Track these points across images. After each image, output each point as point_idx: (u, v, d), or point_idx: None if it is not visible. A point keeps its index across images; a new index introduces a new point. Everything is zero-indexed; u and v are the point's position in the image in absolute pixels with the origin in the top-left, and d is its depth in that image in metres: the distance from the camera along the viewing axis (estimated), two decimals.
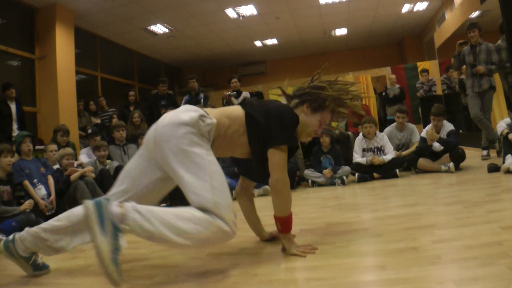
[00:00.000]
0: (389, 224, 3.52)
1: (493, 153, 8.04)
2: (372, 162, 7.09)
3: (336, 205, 5.07)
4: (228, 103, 9.69)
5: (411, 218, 3.61)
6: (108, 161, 7.12)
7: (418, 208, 4.07)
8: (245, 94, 10.00)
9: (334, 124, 8.94)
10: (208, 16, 13.11)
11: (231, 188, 3.00)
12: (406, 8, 14.18)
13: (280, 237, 2.97)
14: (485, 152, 7.95)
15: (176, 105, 10.51)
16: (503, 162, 5.87)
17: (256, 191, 6.64)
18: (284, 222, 2.91)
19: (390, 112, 11.83)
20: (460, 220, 3.34)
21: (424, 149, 7.18)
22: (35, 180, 5.92)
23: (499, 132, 6.35)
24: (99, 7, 11.19)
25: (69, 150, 6.74)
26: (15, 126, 8.31)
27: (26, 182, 5.77)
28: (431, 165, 7.03)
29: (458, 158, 6.85)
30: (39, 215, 5.53)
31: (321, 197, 5.87)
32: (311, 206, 5.23)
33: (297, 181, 7.50)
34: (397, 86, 12.39)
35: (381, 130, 8.21)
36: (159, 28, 13.72)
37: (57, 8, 10.41)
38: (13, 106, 8.34)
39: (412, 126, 8.12)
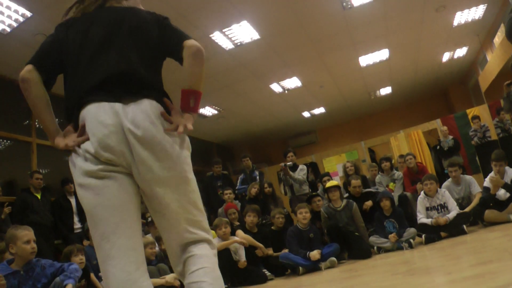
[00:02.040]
0: (467, 286, 3.41)
1: None
2: (437, 223, 6.92)
3: (407, 270, 4.94)
4: (285, 174, 9.69)
5: (489, 278, 3.49)
6: None
7: (494, 265, 3.93)
8: (302, 167, 9.99)
9: (391, 185, 8.88)
10: (254, 94, 13.34)
11: None
12: (446, 56, 14.16)
13: (187, 116, 2.43)
14: None
15: (232, 185, 10.60)
16: None
17: (322, 264, 6.55)
18: (199, 98, 2.49)
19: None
20: None
21: (489, 200, 6.98)
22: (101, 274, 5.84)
23: None
24: None
25: (150, 238, 6.70)
26: (76, 219, 8.47)
27: (93, 276, 5.74)
28: (499, 216, 6.80)
29: None
30: None
31: (390, 263, 5.75)
32: (380, 274, 5.13)
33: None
34: (450, 137, 12.21)
35: (441, 185, 8.05)
36: (207, 111, 14.04)
37: None
38: (73, 200, 8.54)
39: (469, 177, 7.95)
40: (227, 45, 9.71)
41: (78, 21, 2.40)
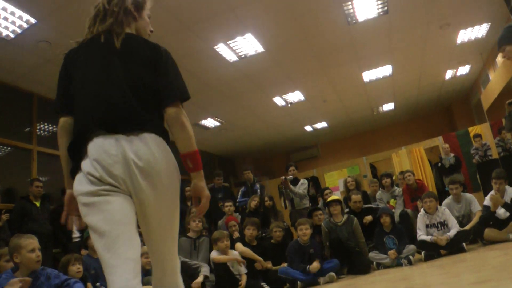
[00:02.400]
0: None
1: None
2: (437, 242, 6.89)
3: (406, 287, 4.94)
4: (286, 188, 9.67)
5: None
6: None
7: (493, 283, 3.92)
8: (303, 181, 9.96)
9: (392, 202, 8.88)
10: (257, 106, 13.37)
11: None
12: (449, 74, 14.19)
13: (193, 176, 2.57)
14: None
15: (233, 197, 10.59)
16: None
17: (321, 279, 6.53)
18: (196, 157, 2.56)
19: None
20: None
21: (489, 218, 6.99)
22: (98, 284, 5.76)
23: None
24: None
25: (145, 248, 6.64)
26: (74, 228, 8.42)
27: (90, 286, 5.69)
28: (498, 235, 6.80)
29: None
30: None
31: (389, 280, 5.74)
32: None
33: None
34: (452, 155, 12.23)
35: (441, 203, 8.04)
36: (210, 122, 14.04)
37: None
38: None
39: (469, 196, 7.95)
40: (231, 57, 9.73)
41: (82, 52, 2.58)
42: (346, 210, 8.24)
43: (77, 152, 2.43)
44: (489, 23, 10.83)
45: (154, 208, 2.38)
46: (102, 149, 2.31)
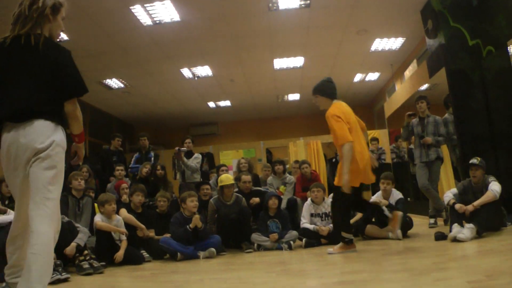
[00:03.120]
0: None
1: (440, 221, 8.13)
2: (319, 231, 7.04)
3: (282, 270, 5.01)
4: (178, 158, 9.53)
5: (358, 285, 3.59)
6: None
7: (365, 275, 4.07)
8: (197, 155, 9.86)
9: (282, 188, 8.98)
10: (164, 75, 13.18)
11: None
12: (358, 77, 14.59)
13: (77, 145, 3.56)
14: (432, 220, 8.06)
15: (125, 162, 10.39)
16: (450, 231, 5.96)
17: (201, 253, 6.52)
18: (81, 136, 3.53)
19: None
20: None
21: (372, 215, 7.23)
22: None
23: (446, 202, 6.49)
24: None
25: None
26: None
27: None
28: (379, 232, 7.05)
29: (405, 226, 6.88)
30: None
31: (267, 262, 5.80)
32: (256, 271, 5.17)
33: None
34: None
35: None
36: (114, 83, 13.73)
37: None
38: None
39: None
40: (145, 20, 9.51)
41: (5, 50, 3.23)
42: (235, 190, 8.22)
43: None
44: (404, 38, 11.33)
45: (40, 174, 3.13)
46: (7, 135, 3.16)
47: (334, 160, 12.87)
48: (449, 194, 6.53)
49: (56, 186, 3.18)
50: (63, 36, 9.76)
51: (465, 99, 8.08)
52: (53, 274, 4.94)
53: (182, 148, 9.59)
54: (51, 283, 4.86)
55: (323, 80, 6.38)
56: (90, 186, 8.22)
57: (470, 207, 6.07)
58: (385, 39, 11.32)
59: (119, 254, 6.04)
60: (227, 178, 7.57)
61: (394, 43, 11.64)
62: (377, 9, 9.53)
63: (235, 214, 7.28)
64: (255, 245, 7.07)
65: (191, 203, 6.93)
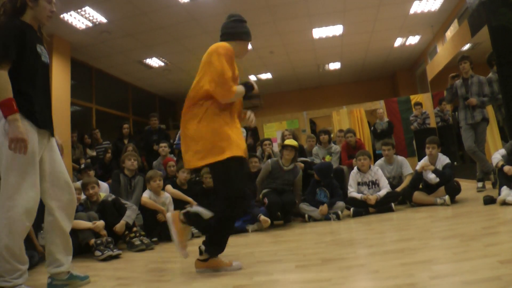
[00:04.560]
0: (385, 259, 3.48)
1: (488, 184, 8.00)
2: (366, 200, 7.01)
3: (332, 240, 5.01)
4: None
5: (408, 253, 3.57)
6: (102, 194, 6.66)
7: (414, 242, 4.03)
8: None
9: (327, 158, 8.95)
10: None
11: None
12: (398, 42, 14.33)
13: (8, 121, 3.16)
14: (480, 184, 7.91)
15: (168, 139, 10.46)
16: (499, 194, 5.85)
17: (250, 227, 6.57)
18: (5, 105, 3.13)
19: (378, 147, 11.82)
20: (458, 254, 3.30)
21: (418, 181, 7.17)
22: None
23: (494, 164, 6.33)
24: (95, 39, 11.29)
25: (77, 184, 6.49)
26: None
27: None
28: (426, 198, 6.98)
29: (453, 191, 6.79)
30: None
31: (316, 232, 5.81)
32: (305, 242, 5.18)
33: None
34: (386, 119, 12.45)
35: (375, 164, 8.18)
36: (154, 62, 13.83)
37: (54, 40, 10.48)
38: None
39: (401, 158, 8.04)
40: None
41: None
42: (301, 173, 8.10)
43: None
44: None
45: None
46: None
47: (372, 128, 12.83)
48: (497, 155, 6.36)
49: None
50: (102, 18, 9.87)
51: (509, 56, 7.87)
52: (105, 251, 5.09)
53: None
54: (104, 259, 5.00)
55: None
56: (139, 164, 8.32)
57: None
58: (424, 1, 11.09)
59: (118, 225, 5.87)
60: (291, 141, 7.47)
61: (433, 3, 11.37)
62: None
63: (287, 182, 7.27)
64: (306, 216, 7.07)
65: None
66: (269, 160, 7.46)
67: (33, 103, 3.38)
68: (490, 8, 8.17)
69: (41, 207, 3.42)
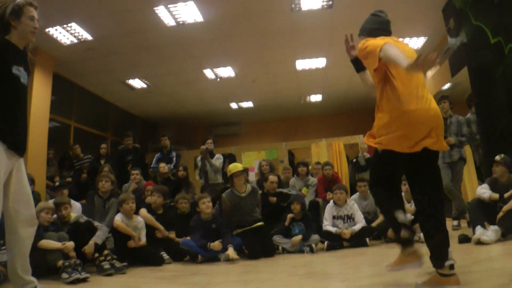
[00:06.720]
0: None
1: (463, 223, 8.07)
2: (341, 234, 6.98)
3: (305, 273, 4.97)
4: (204, 158, 9.40)
5: None
6: (73, 215, 6.37)
7: (388, 278, 4.01)
8: (218, 156, 9.64)
9: (304, 190, 8.95)
10: (186, 75, 13.19)
11: None
12: None
13: None
14: (455, 222, 7.96)
15: (143, 160, 10.37)
16: (473, 233, 5.88)
17: (222, 256, 6.47)
18: None
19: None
20: None
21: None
22: None
23: (487, 197, 6.32)
24: (80, 55, 11.11)
25: (50, 204, 6.35)
26: None
27: None
28: None
29: None
30: None
31: (289, 265, 5.78)
32: (278, 274, 5.15)
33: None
34: (368, 155, 12.49)
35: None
36: (137, 83, 13.74)
37: (38, 53, 10.29)
38: None
39: None
40: (169, 21, 9.52)
41: None
42: (260, 192, 8.09)
43: None
44: (426, 37, 11.21)
45: None
46: None
47: (354, 160, 12.82)
48: (484, 190, 6.41)
49: None
50: (87, 35, 9.84)
51: (488, 97, 7.96)
52: (72, 273, 4.99)
53: (210, 147, 9.46)
54: (71, 283, 4.90)
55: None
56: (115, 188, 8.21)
57: (500, 214, 5.98)
58: (407, 38, 11.20)
59: (87, 246, 5.72)
60: (235, 166, 7.40)
61: (416, 42, 11.52)
62: (398, 9, 9.44)
63: (252, 206, 7.26)
64: (280, 247, 7.04)
65: (203, 205, 6.91)
66: (223, 195, 7.41)
67: (5, 123, 3.38)
68: (472, 50, 8.32)
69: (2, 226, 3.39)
